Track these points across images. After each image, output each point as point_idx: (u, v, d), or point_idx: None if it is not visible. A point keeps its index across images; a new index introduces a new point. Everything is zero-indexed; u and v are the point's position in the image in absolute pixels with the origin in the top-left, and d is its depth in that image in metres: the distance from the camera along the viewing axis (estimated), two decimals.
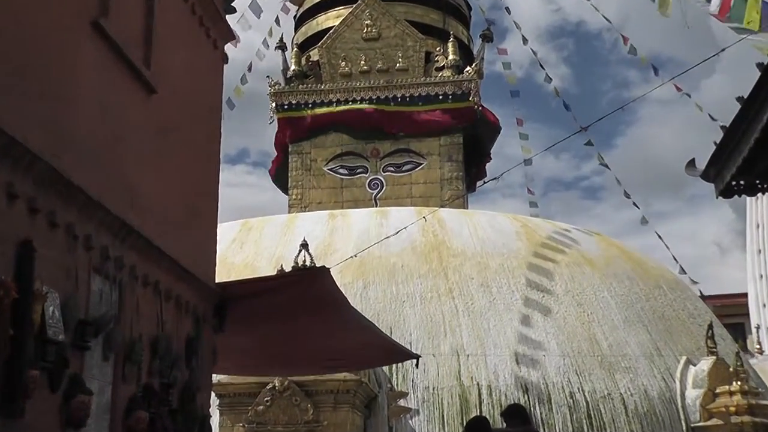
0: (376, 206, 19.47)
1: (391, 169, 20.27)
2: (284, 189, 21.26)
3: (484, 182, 21.87)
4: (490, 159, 22.81)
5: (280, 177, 21.80)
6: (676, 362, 13.85)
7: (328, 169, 20.45)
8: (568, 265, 15.51)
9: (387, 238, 13.69)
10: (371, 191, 20.21)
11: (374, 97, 20.40)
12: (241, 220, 17.84)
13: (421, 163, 20.22)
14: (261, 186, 60.37)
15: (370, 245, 13.88)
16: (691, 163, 5.57)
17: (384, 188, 20.19)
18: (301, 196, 20.34)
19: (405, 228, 13.55)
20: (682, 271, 18.19)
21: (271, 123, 21.02)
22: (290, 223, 17.19)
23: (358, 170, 20.35)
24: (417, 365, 8.23)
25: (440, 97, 20.26)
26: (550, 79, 21.40)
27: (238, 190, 54.62)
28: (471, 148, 21.10)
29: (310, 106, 20.60)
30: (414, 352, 8.85)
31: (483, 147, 21.76)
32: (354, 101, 20.44)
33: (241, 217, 18.06)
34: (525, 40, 21.12)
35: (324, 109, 20.49)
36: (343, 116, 20.38)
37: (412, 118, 20.09)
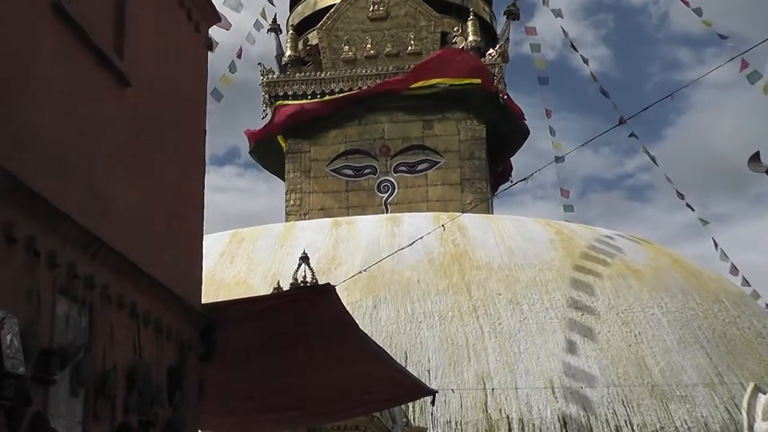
0: (387, 212, 19.54)
1: (404, 169, 20.36)
2: (263, 164, 21.74)
3: (512, 183, 21.96)
4: (513, 156, 23.02)
5: (258, 151, 21.89)
6: (742, 390, 13.62)
7: (331, 170, 20.55)
8: (612, 277, 15.49)
9: (400, 249, 13.85)
10: (381, 195, 20.28)
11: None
12: (231, 231, 18.00)
13: (438, 162, 20.26)
14: (253, 190, 58.94)
15: (380, 258, 14.04)
16: (756, 157, 5.63)
17: (396, 191, 20.24)
18: (299, 202, 20.45)
19: (421, 237, 13.68)
20: (746, 282, 17.84)
21: (263, 117, 21.20)
22: (288, 233, 17.30)
23: (366, 171, 20.45)
24: (433, 402, 8.20)
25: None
26: (587, 61, 21.61)
27: (226, 195, 54.14)
28: (495, 144, 21.09)
29: (308, 97, 20.68)
30: (433, 381, 8.74)
31: (508, 142, 21.81)
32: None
33: (230, 226, 18.35)
34: (557, 16, 21.10)
35: (326, 100, 20.50)
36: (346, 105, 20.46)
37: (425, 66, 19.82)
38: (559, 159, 14.08)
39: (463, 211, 17.90)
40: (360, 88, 20.46)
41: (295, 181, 20.67)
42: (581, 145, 11.50)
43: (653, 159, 19.66)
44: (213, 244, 16.58)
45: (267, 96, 20.86)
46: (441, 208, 19.27)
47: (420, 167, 20.32)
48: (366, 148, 20.56)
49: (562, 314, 14.53)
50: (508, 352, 13.86)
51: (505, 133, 21.17)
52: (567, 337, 14.13)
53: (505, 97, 20.51)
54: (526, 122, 21.44)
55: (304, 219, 19.72)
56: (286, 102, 20.60)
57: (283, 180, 21.04)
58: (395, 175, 20.38)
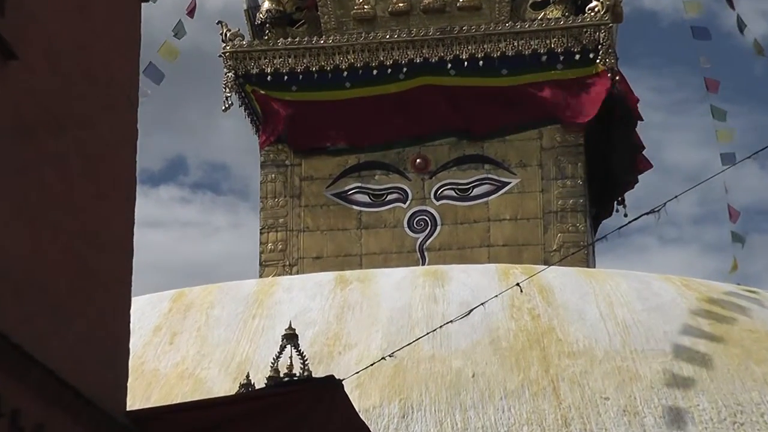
0: (424, 263, 19.47)
1: (452, 193, 20.33)
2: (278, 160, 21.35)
3: (631, 219, 21.49)
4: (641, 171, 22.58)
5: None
6: None
7: (334, 195, 20.59)
8: None
9: (446, 323, 13.78)
10: (414, 235, 20.27)
11: (418, 60, 20.54)
12: (172, 292, 18.08)
13: (508, 183, 20.29)
14: (208, 225, 59.72)
15: (414, 338, 13.99)
16: None
17: (438, 229, 20.20)
18: (282, 245, 20.41)
19: (480, 305, 13.54)
20: None
21: (226, 110, 21.20)
22: (263, 296, 17.35)
23: (390, 196, 20.44)
24: None
25: (543, 59, 20.37)
26: (744, 25, 21.52)
27: (166, 232, 54.21)
28: (598, 156, 21.08)
29: (300, 79, 20.83)
30: None
31: (620, 151, 21.58)
32: (382, 70, 20.61)
33: (172, 284, 19.21)
34: None
35: (325, 93, 20.89)
36: (361, 104, 20.74)
37: (495, 107, 20.33)
38: (727, 158, 13.16)
39: (546, 262, 17.52)
40: (383, 64, 20.51)
41: (276, 212, 20.59)
42: (753, 155, 11.12)
43: None
44: (144, 314, 16.57)
45: (233, 74, 20.82)
46: (512, 258, 19.09)
47: (477, 191, 20.26)
48: (390, 161, 20.55)
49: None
50: None
51: (615, 138, 21.10)
52: None
53: (618, 78, 20.37)
54: (637, 107, 21.39)
55: (291, 272, 19.61)
56: (273, 93, 20.91)
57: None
58: (437, 203, 20.28)
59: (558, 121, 20.35)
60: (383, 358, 13.26)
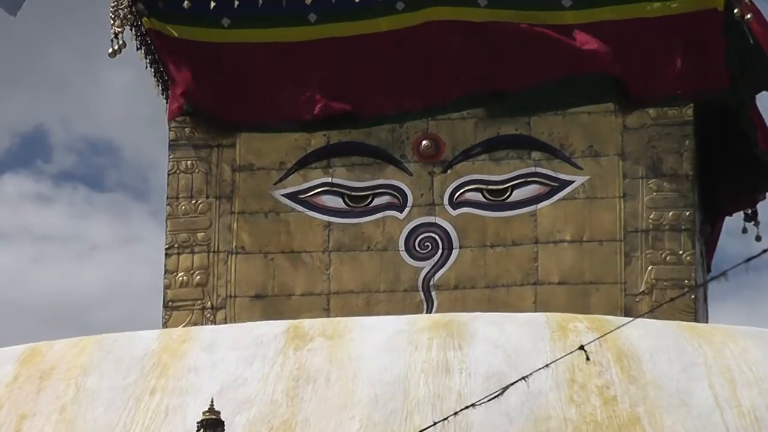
0: (431, 308, 19.55)
1: (477, 197, 20.31)
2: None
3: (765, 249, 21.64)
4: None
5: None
6: None
7: (286, 196, 20.64)
8: None
9: (466, 409, 13.88)
10: (415, 262, 20.31)
11: None
12: (21, 348, 18.17)
13: (570, 182, 20.20)
14: (80, 239, 60.94)
15: (418, 430, 14.22)
16: None
17: (454, 253, 20.19)
18: (203, 276, 20.42)
19: (522, 379, 13.59)
20: None
21: (114, 55, 21.26)
22: (168, 357, 17.53)
23: (377, 199, 20.52)
24: None
25: None
26: None
27: (13, 250, 54.75)
28: (713, 141, 21.21)
29: (235, 7, 20.73)
30: None
31: (754, 133, 21.23)
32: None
33: (21, 333, 19.70)
34: None
35: (275, 32, 20.97)
36: (334, 49, 20.91)
37: (547, 60, 20.42)
38: None
39: (630, 312, 17.98)
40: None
41: (192, 221, 20.66)
42: None
43: None
44: None
45: (126, 2, 20.86)
46: (573, 304, 18.91)
47: (519, 194, 20.05)
48: (379, 143, 20.53)
49: None
50: None
51: (737, 105, 20.86)
52: None
53: (750, 15, 20.04)
54: None
55: (214, 320, 19.67)
56: (190, 31, 20.97)
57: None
58: (454, 212, 20.09)
59: (651, 86, 20.31)
60: None
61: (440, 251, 20.07)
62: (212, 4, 20.72)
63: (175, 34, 21.24)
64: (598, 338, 15.07)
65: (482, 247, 19.98)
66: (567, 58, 20.70)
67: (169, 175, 21.02)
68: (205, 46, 21.23)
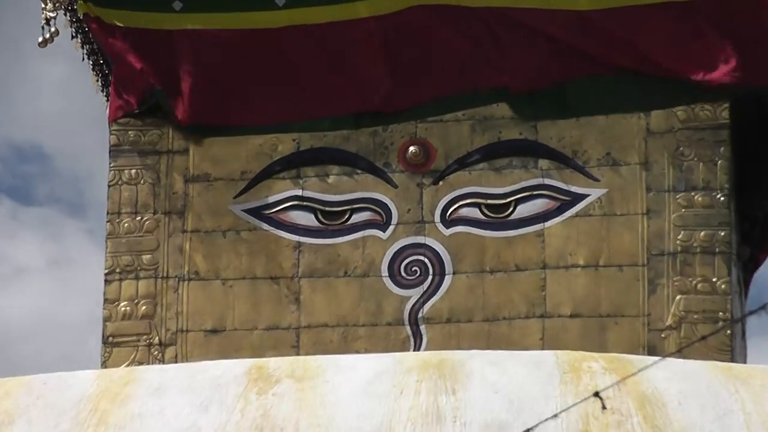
0: (419, 345, 19.57)
1: (475, 213, 19.99)
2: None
3: None
4: None
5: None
6: None
7: (248, 211, 20.51)
8: None
9: None
10: (401, 290, 19.95)
11: None
12: None
13: (585, 196, 19.90)
14: (2, 259, 61.70)
15: None
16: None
17: (447, 280, 19.95)
18: (149, 306, 20.30)
19: (528, 431, 13.70)
20: None
21: (44, 45, 21.38)
22: (108, 403, 17.19)
23: (356, 216, 20.28)
24: None
25: None
26: None
27: None
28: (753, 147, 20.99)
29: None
30: None
31: None
32: None
33: None
34: None
35: (235, 17, 21.17)
36: (305, 38, 21.04)
37: (558, 54, 20.49)
38: None
39: (654, 350, 17.70)
40: None
41: (137, 241, 20.58)
42: None
43: None
44: None
45: None
46: (587, 341, 18.66)
47: (524, 210, 19.75)
48: (358, 149, 20.34)
49: None
50: None
51: None
52: None
53: None
54: None
55: (162, 359, 19.64)
56: (133, 17, 21.15)
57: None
58: (447, 231, 19.82)
59: (684, 83, 20.06)
60: None
61: (430, 277, 19.88)
62: None
63: (117, 21, 21.26)
64: (617, 382, 14.91)
65: (480, 272, 19.72)
66: (602, 52, 20.66)
67: (109, 186, 20.78)
68: (152, 34, 21.23)
